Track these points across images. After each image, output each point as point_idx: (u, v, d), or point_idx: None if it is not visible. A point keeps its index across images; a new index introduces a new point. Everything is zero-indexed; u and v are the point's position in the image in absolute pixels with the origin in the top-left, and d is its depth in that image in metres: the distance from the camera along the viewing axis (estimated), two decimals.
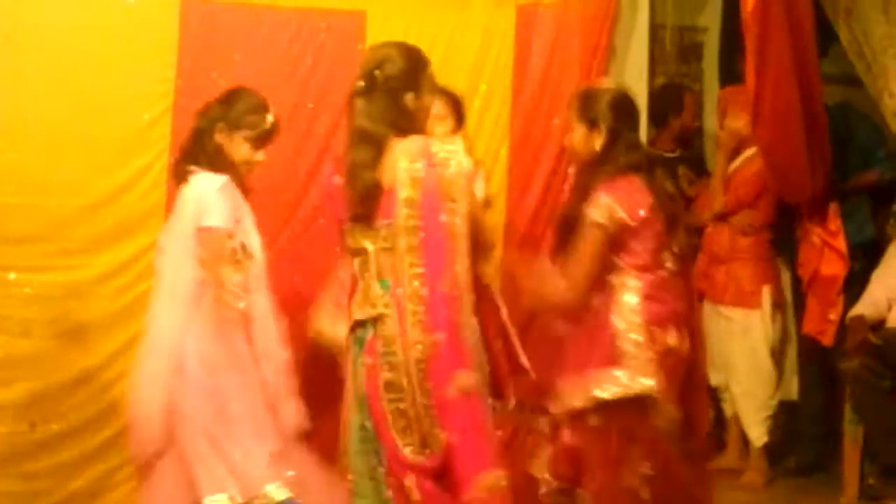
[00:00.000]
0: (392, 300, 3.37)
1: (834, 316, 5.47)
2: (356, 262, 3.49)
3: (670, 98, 5.99)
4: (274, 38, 5.11)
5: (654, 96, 5.92)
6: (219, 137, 4.13)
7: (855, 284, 5.46)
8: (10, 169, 4.80)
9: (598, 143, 4.08)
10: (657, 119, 5.90)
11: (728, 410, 5.82)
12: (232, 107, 4.17)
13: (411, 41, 5.09)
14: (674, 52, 6.23)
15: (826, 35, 5.45)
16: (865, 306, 5.28)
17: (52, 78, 4.84)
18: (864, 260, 5.62)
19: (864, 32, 5.36)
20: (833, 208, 5.51)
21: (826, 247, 5.51)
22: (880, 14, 5.33)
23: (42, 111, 4.84)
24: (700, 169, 6.08)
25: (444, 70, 5.15)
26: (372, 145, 3.42)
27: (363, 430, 3.47)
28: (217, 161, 4.08)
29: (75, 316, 4.84)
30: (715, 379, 5.79)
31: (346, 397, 3.54)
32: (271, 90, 4.77)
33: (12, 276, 4.79)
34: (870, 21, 5.35)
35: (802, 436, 5.82)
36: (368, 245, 3.45)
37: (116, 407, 4.87)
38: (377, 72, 3.48)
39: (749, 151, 5.70)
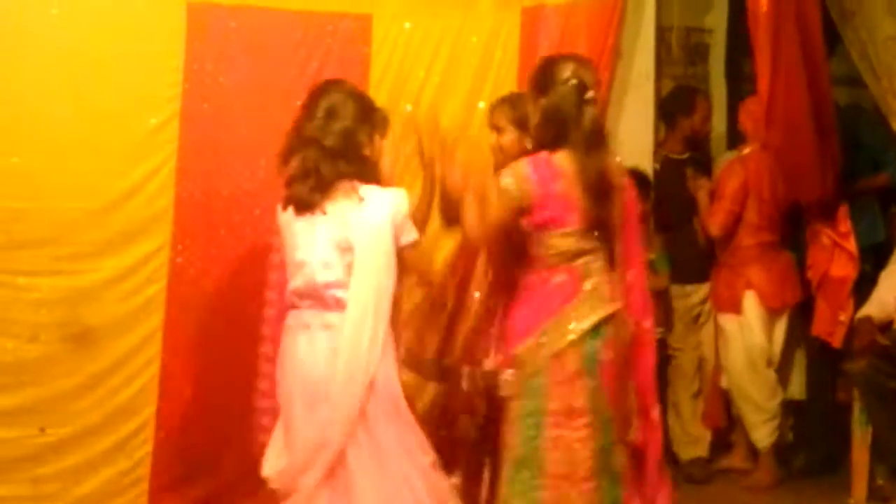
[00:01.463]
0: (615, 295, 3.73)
1: (844, 318, 5.46)
2: (581, 261, 3.70)
3: (680, 99, 5.98)
4: (281, 41, 5.11)
5: (666, 98, 5.92)
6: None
7: (864, 286, 5.44)
8: (17, 173, 4.81)
9: (529, 143, 4.21)
10: (667, 120, 5.90)
11: (735, 411, 5.82)
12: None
13: (417, 44, 5.20)
14: (680, 53, 6.22)
15: (832, 36, 5.44)
16: (873, 307, 5.27)
17: (59, 82, 4.85)
18: (873, 262, 5.61)
19: (870, 33, 5.35)
20: (843, 210, 5.50)
21: (837, 248, 5.50)
22: (886, 15, 5.33)
23: (49, 115, 4.84)
24: (708, 171, 6.07)
25: (449, 73, 5.21)
26: (606, 149, 3.77)
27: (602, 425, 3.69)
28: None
29: (83, 320, 4.84)
30: (725, 381, 5.80)
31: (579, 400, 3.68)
32: (278, 93, 4.82)
33: (20, 280, 4.80)
34: (875, 22, 5.34)
35: (811, 436, 5.82)
36: (596, 244, 3.72)
37: (125, 411, 4.90)
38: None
39: (726, 158, 5.75)
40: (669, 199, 5.70)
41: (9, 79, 4.81)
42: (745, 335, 5.61)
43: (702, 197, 5.76)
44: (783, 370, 5.73)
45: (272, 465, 3.79)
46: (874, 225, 5.76)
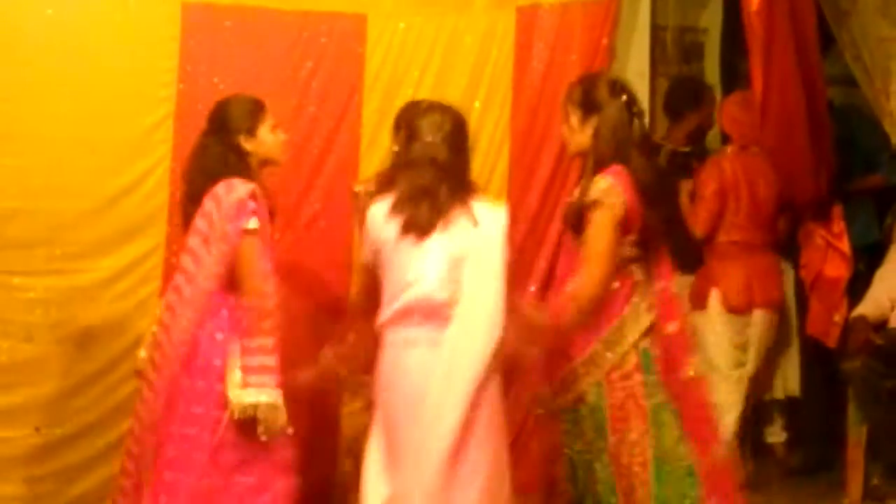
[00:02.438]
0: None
1: (838, 318, 5.45)
2: (633, 268, 3.86)
3: (688, 92, 5.94)
4: (276, 41, 5.12)
5: (672, 90, 5.91)
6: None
7: (859, 287, 5.43)
8: (12, 173, 4.83)
9: None
10: (673, 112, 5.87)
11: None
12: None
13: (411, 44, 5.20)
14: (675, 52, 6.20)
15: (827, 35, 5.44)
16: (868, 307, 5.26)
17: (54, 82, 4.87)
18: (867, 262, 5.61)
19: (863, 34, 5.34)
20: (837, 210, 5.50)
21: (830, 248, 5.50)
22: (880, 16, 5.31)
23: (44, 116, 4.87)
24: None
25: (444, 72, 5.22)
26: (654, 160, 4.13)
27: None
28: None
29: (79, 320, 4.86)
30: None
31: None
32: (273, 94, 4.80)
33: (16, 280, 4.82)
34: (869, 23, 5.33)
35: (806, 436, 5.82)
36: (640, 253, 3.88)
37: (120, 411, 4.89)
38: None
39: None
40: (676, 191, 5.64)
41: (3, 79, 4.85)
42: (707, 333, 5.54)
43: (683, 198, 5.71)
44: (769, 370, 5.68)
45: (375, 496, 3.62)
46: (868, 225, 5.75)
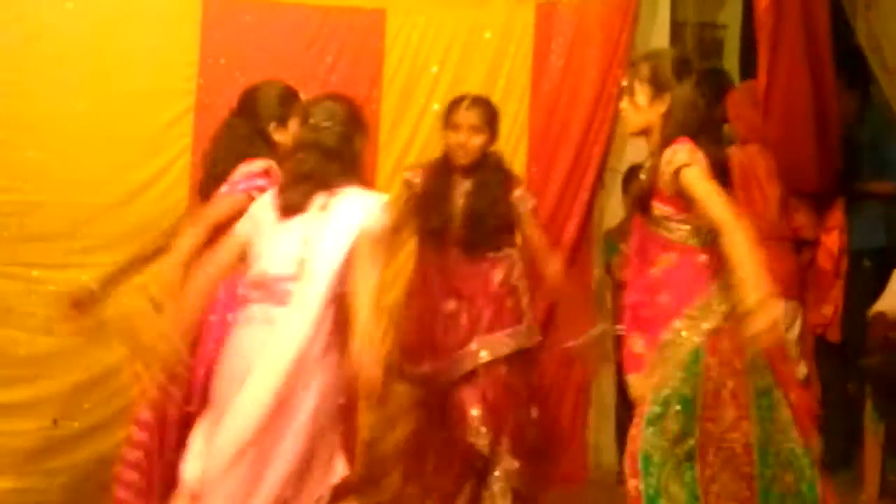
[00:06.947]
0: None
1: (826, 311, 5.45)
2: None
3: (711, 85, 5.82)
4: (295, 35, 5.15)
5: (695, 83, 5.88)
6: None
7: (865, 287, 5.41)
8: (33, 167, 4.86)
9: None
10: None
11: None
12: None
13: (430, 38, 5.23)
14: (694, 49, 6.20)
15: None
16: (887, 303, 5.24)
17: (74, 76, 4.90)
18: (874, 262, 5.59)
19: (884, 27, 5.32)
20: (838, 204, 5.48)
21: (820, 242, 5.50)
22: None
23: (65, 110, 4.90)
24: None
25: (463, 67, 5.24)
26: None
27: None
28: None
29: (97, 314, 4.85)
30: None
31: None
32: None
33: (35, 273, 4.85)
34: (890, 16, 5.32)
35: (823, 432, 5.79)
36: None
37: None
38: None
39: None
40: None
41: (25, 73, 4.87)
42: None
43: None
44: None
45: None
46: (874, 228, 5.67)
